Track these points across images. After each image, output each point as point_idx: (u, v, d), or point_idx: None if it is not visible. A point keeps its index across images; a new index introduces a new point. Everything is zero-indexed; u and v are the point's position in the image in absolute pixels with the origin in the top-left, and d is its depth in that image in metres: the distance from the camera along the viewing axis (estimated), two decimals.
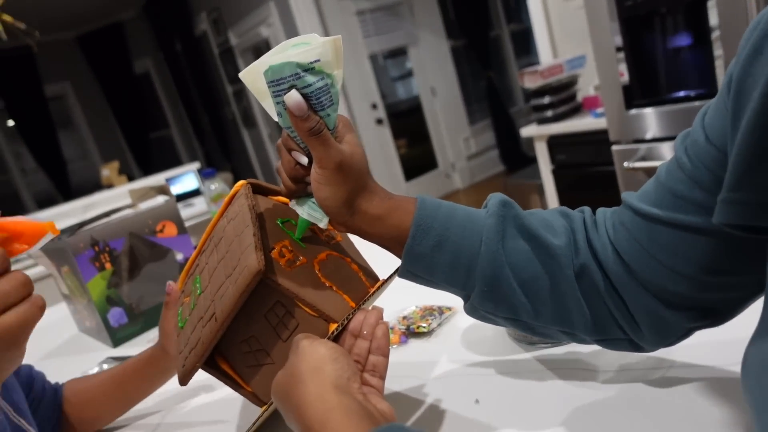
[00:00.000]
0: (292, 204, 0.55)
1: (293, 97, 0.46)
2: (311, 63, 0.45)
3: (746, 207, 0.36)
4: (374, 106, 4.53)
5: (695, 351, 0.57)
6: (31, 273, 2.52)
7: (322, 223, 0.53)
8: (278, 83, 0.46)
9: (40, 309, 0.41)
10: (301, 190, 0.53)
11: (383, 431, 0.37)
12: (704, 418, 0.48)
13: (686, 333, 0.49)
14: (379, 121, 4.60)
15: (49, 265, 1.19)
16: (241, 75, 0.48)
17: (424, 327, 0.78)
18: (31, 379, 0.74)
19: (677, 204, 0.43)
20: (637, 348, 0.52)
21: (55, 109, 6.24)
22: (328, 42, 0.45)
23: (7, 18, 2.90)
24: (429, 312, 0.81)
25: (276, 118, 0.50)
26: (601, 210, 0.53)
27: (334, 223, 0.53)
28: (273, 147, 5.48)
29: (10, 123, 6.13)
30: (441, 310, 0.81)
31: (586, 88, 2.51)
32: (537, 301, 0.50)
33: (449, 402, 0.61)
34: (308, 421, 0.41)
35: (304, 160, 0.51)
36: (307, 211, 0.53)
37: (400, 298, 0.59)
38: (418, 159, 5.08)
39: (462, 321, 0.79)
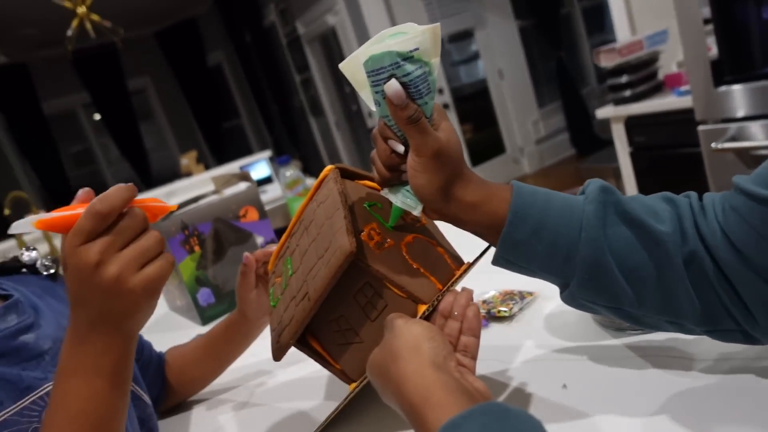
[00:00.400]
0: (385, 192, 0.56)
1: (393, 86, 0.47)
2: (410, 52, 0.46)
3: None
4: (440, 91, 4.49)
5: None
6: None
7: (416, 210, 0.54)
8: (378, 73, 0.47)
9: (172, 264, 0.47)
10: (395, 178, 0.54)
11: (485, 408, 0.37)
12: None
13: None
14: (445, 106, 4.56)
15: None
16: (341, 66, 0.50)
17: (504, 311, 0.78)
18: (140, 347, 0.80)
19: None
20: (750, 340, 0.49)
21: (137, 102, 6.60)
22: (427, 30, 0.46)
23: (95, 17, 3.10)
24: (509, 296, 0.81)
25: (373, 108, 0.51)
26: (708, 195, 0.51)
27: (428, 211, 0.53)
28: (339, 134, 5.56)
29: (97, 117, 6.55)
30: (522, 295, 0.81)
31: (668, 65, 2.38)
32: (642, 289, 0.49)
33: (535, 386, 0.61)
34: (408, 396, 0.42)
35: (401, 148, 0.51)
36: (401, 199, 0.54)
37: (480, 282, 0.59)
38: (484, 144, 5.00)
39: (544, 306, 0.78)
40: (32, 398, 0.53)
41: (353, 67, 0.49)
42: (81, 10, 3.03)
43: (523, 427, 0.35)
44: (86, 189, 0.46)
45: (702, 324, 0.49)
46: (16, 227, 0.45)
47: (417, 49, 0.46)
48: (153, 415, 0.70)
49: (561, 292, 0.53)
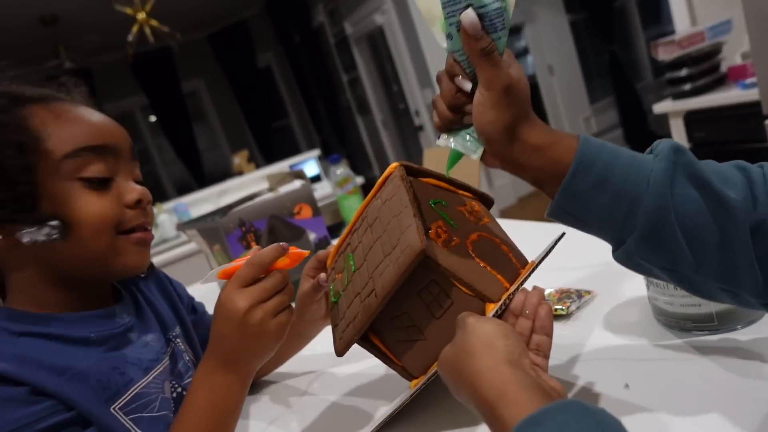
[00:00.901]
0: (443, 138, 0.54)
1: (469, 14, 0.47)
2: None
3: None
4: None
5: None
6: (185, 250, 2.81)
7: (476, 154, 0.52)
8: (455, 2, 0.47)
9: (293, 313, 0.60)
10: (457, 120, 0.53)
11: (563, 405, 0.37)
12: None
13: None
14: None
15: (202, 243, 1.32)
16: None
17: (561, 309, 0.77)
18: (193, 308, 0.85)
19: None
20: None
21: (191, 104, 6.83)
22: None
23: (153, 23, 3.23)
24: (566, 295, 0.80)
25: (443, 44, 0.51)
26: None
27: (490, 154, 0.52)
28: (386, 133, 5.58)
29: (153, 118, 6.81)
30: (579, 294, 0.79)
31: (731, 57, 2.27)
32: (702, 254, 0.47)
33: (597, 385, 0.60)
34: (484, 393, 0.42)
35: (468, 85, 0.50)
36: (461, 143, 0.53)
37: (536, 281, 0.59)
38: None
39: (603, 305, 0.77)
40: (153, 375, 0.63)
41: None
42: (141, 16, 3.17)
43: (604, 426, 0.35)
44: (254, 247, 0.60)
45: (762, 296, 0.47)
46: (206, 280, 0.60)
47: None
48: None
49: (614, 250, 0.51)
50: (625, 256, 0.50)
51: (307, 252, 0.61)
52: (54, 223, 0.55)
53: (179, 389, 0.68)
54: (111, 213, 0.58)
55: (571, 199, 0.49)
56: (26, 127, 0.55)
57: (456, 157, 0.55)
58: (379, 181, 0.65)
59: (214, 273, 0.59)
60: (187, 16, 5.90)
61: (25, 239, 0.55)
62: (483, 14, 0.47)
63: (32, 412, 0.51)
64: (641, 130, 4.83)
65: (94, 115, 0.60)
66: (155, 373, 0.63)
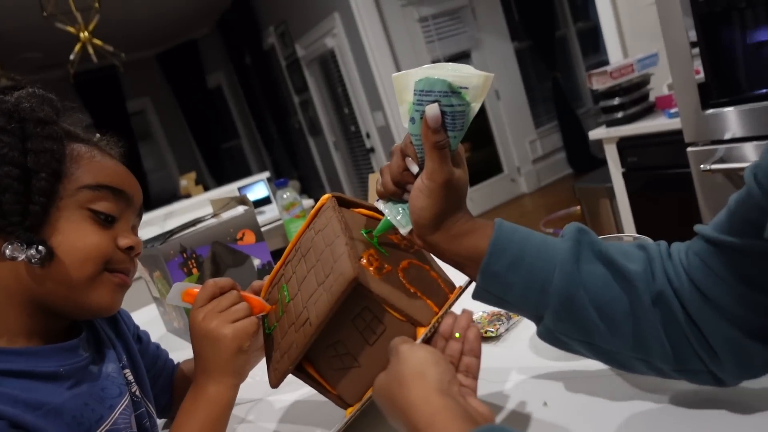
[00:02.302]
0: (380, 203, 0.59)
1: (434, 109, 0.51)
2: (460, 87, 0.50)
3: None
4: None
5: None
6: None
7: (405, 229, 0.57)
8: (426, 94, 0.51)
9: (255, 324, 0.65)
10: (396, 194, 0.57)
11: (485, 430, 0.39)
12: None
13: None
14: None
15: (142, 270, 1.30)
16: (394, 76, 0.54)
17: (491, 332, 0.80)
18: (156, 358, 0.84)
19: (749, 230, 0.44)
20: (717, 381, 0.51)
21: (137, 123, 6.67)
22: (481, 76, 0.50)
23: (97, 42, 3.15)
24: (497, 317, 0.83)
25: (405, 124, 0.54)
26: (675, 243, 0.54)
27: (415, 235, 0.56)
28: (338, 155, 5.61)
29: (96, 137, 6.60)
30: (509, 316, 0.83)
31: (659, 87, 2.42)
32: (613, 324, 0.51)
33: (521, 404, 0.63)
34: (415, 423, 0.44)
35: (415, 168, 0.55)
36: (394, 215, 0.57)
37: (469, 304, 0.62)
38: (482, 164, 5.04)
39: (530, 326, 0.80)
40: (119, 411, 0.63)
41: (405, 81, 0.53)
42: (84, 35, 3.09)
43: None
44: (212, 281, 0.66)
45: (671, 363, 0.51)
46: (171, 299, 0.67)
47: (467, 88, 0.50)
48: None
49: (537, 328, 0.56)
50: (546, 332, 0.55)
51: (268, 307, 0.68)
52: (41, 248, 0.56)
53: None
54: (104, 248, 0.61)
55: (489, 280, 0.54)
56: (65, 158, 0.60)
57: (387, 225, 0.59)
58: (312, 212, 0.66)
59: (177, 291, 0.67)
60: (135, 34, 5.80)
61: (8, 252, 0.55)
62: (446, 112, 0.51)
63: None
64: (583, 154, 5.05)
65: (121, 167, 0.67)
66: (120, 408, 0.64)
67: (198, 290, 0.66)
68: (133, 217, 0.67)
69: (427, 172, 0.53)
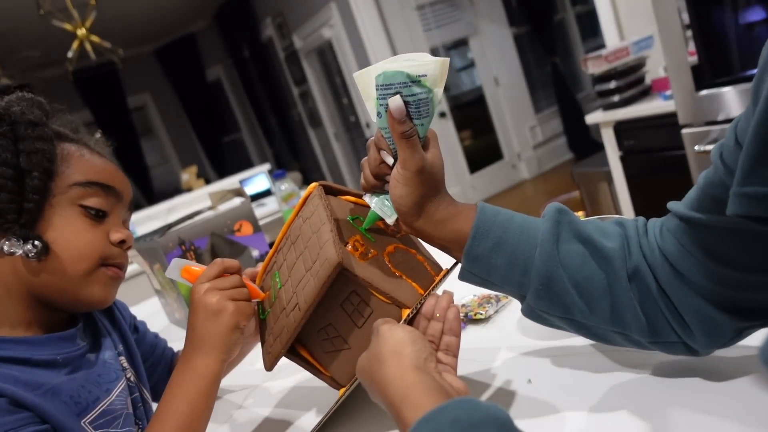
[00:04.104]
0: (366, 197, 0.61)
1: (396, 101, 0.52)
2: (419, 76, 0.52)
3: (756, 200, 0.39)
4: None
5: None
6: (127, 271, 2.75)
7: (390, 219, 0.59)
8: (387, 88, 0.53)
9: (252, 307, 0.67)
10: (378, 186, 0.60)
11: (457, 403, 0.40)
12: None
13: (738, 334, 0.50)
14: (442, 114, 4.61)
15: (143, 264, 1.32)
16: (355, 75, 0.55)
17: (481, 314, 0.82)
18: (154, 347, 0.87)
19: (715, 207, 0.45)
20: (691, 351, 0.53)
21: (138, 119, 6.69)
22: (437, 62, 0.52)
23: (94, 39, 3.16)
24: (486, 300, 0.85)
25: (374, 119, 0.56)
26: (652, 220, 0.56)
27: (400, 222, 0.58)
28: (339, 145, 5.62)
29: (98, 135, 6.62)
30: (498, 298, 0.85)
31: (655, 70, 2.42)
32: (591, 301, 0.53)
33: (504, 382, 0.65)
34: (391, 398, 0.46)
35: (390, 160, 0.57)
36: (379, 206, 0.60)
37: (459, 287, 0.63)
38: (482, 150, 5.05)
39: (518, 308, 0.82)
40: (116, 393, 0.66)
41: (366, 78, 0.55)
42: (81, 32, 3.11)
43: (491, 420, 0.39)
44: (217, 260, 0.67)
45: (647, 335, 0.53)
46: (170, 272, 0.68)
47: (425, 75, 0.52)
48: None
49: (521, 306, 0.58)
50: (528, 310, 0.57)
51: (262, 294, 0.70)
52: (37, 243, 0.59)
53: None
54: (99, 244, 0.64)
55: (473, 262, 0.56)
56: (56, 157, 0.63)
57: (374, 217, 0.61)
58: (300, 200, 0.68)
59: (177, 267, 0.68)
60: (133, 30, 5.80)
61: (5, 248, 0.58)
62: (410, 101, 0.53)
63: (15, 420, 0.54)
64: (583, 139, 5.04)
65: (110, 164, 0.69)
66: (117, 391, 0.66)
67: (197, 268, 0.68)
68: (123, 212, 0.69)
69: (401, 162, 0.55)
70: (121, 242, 0.66)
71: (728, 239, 0.45)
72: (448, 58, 0.53)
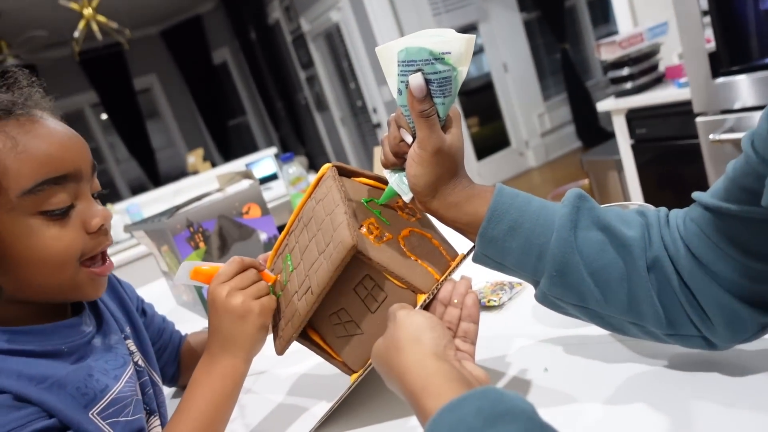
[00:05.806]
0: (387, 172, 0.60)
1: (417, 79, 0.50)
2: (443, 53, 0.49)
3: None
4: None
5: None
6: (134, 253, 2.75)
7: (407, 196, 0.57)
8: (408, 64, 0.51)
9: (275, 301, 0.66)
10: (398, 163, 0.58)
11: (480, 393, 0.39)
12: None
13: (762, 329, 0.49)
14: None
15: (151, 245, 1.31)
16: (377, 49, 0.53)
17: (494, 301, 0.80)
18: (162, 330, 0.86)
19: (746, 197, 0.44)
20: (710, 345, 0.51)
21: (143, 101, 6.66)
22: (462, 38, 0.49)
23: (101, 19, 3.14)
24: (499, 286, 0.84)
25: (395, 95, 0.54)
26: (674, 210, 0.54)
27: (416, 201, 0.57)
28: (345, 130, 5.59)
29: (104, 117, 6.61)
30: (511, 285, 0.83)
31: (669, 57, 2.38)
32: (607, 289, 0.51)
33: (519, 370, 0.64)
34: (410, 386, 0.44)
35: (409, 138, 0.55)
36: (397, 183, 0.58)
37: (472, 274, 0.62)
38: (489, 137, 5.01)
39: (531, 295, 0.81)
40: (124, 380, 0.64)
41: (388, 54, 0.53)
42: (87, 12, 3.08)
43: (517, 412, 0.37)
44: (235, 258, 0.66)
45: (664, 327, 0.51)
46: (179, 278, 0.66)
47: (449, 53, 0.49)
48: (164, 402, 0.74)
49: (535, 292, 0.56)
50: (542, 296, 0.56)
51: (273, 277, 0.68)
52: None
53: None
54: (74, 245, 0.57)
55: (487, 245, 0.54)
56: None
57: (391, 193, 0.60)
58: (313, 182, 0.67)
59: (186, 271, 0.66)
60: (139, 11, 5.75)
61: None
62: (431, 80, 0.51)
63: (19, 417, 0.52)
64: (592, 126, 4.99)
65: (54, 134, 0.56)
66: (126, 378, 0.64)
67: (207, 267, 0.66)
68: (88, 185, 0.60)
69: (419, 141, 0.53)
70: (100, 226, 0.59)
71: (758, 231, 0.44)
72: (474, 36, 0.50)
